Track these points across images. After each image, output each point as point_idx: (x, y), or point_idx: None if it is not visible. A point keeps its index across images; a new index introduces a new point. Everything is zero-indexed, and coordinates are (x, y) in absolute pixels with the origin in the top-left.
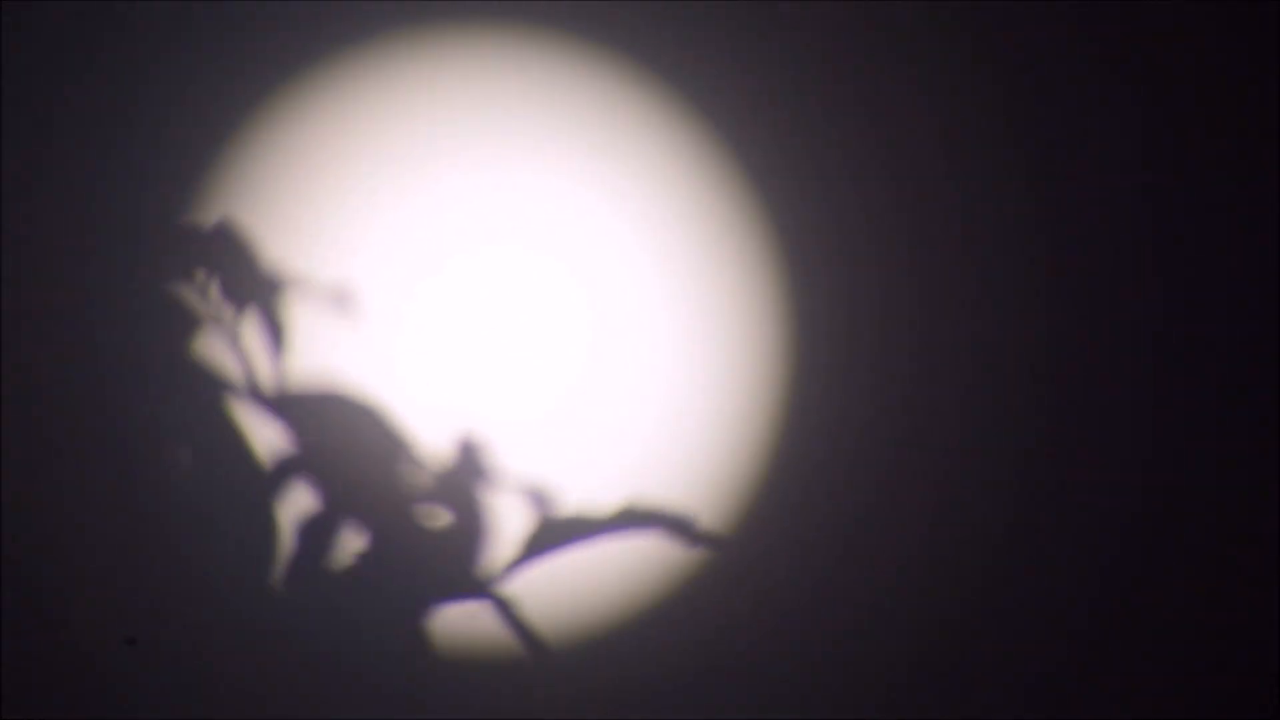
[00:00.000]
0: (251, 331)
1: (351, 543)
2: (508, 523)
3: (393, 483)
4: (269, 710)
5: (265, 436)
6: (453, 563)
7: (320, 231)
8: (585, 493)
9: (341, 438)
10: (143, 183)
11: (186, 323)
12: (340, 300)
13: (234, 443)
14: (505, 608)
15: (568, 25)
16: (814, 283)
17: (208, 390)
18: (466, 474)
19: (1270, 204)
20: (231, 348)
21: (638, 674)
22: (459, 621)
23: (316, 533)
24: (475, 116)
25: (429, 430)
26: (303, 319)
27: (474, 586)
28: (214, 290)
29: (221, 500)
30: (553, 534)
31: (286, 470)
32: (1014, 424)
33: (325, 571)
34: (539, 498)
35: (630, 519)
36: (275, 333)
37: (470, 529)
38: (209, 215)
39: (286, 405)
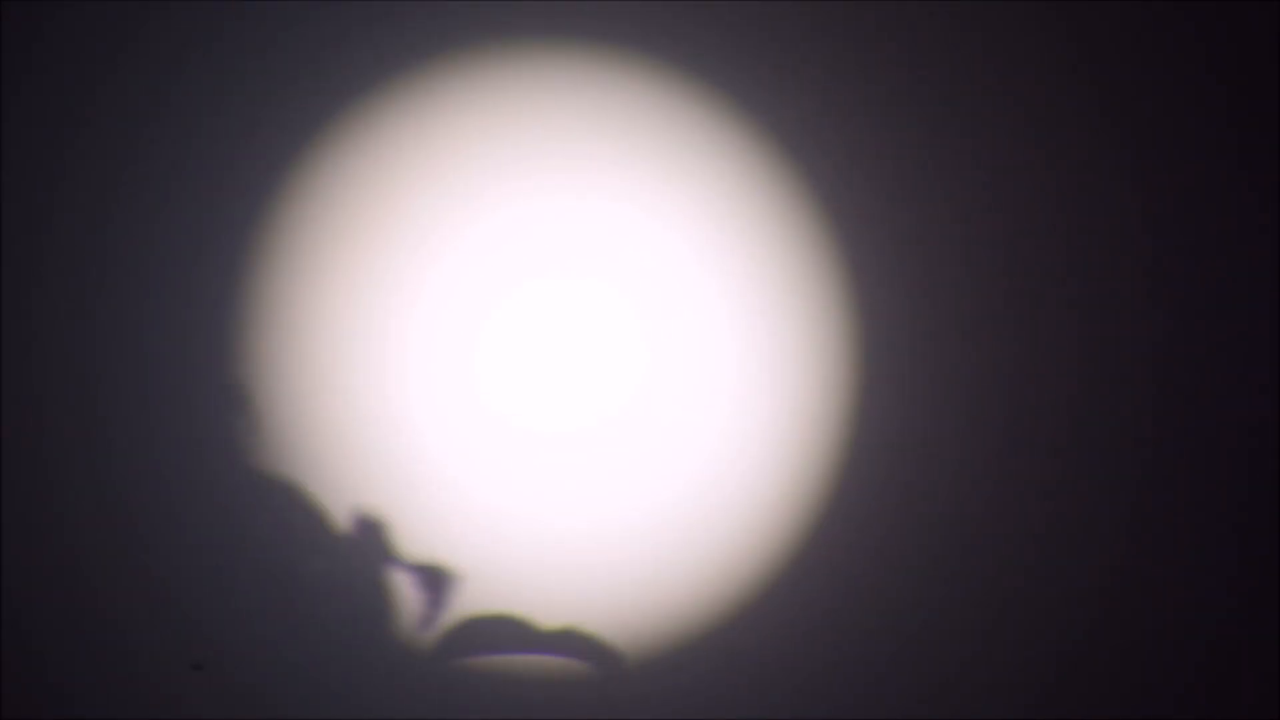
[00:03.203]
0: None
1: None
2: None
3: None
4: (269, 710)
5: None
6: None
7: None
8: (647, 510)
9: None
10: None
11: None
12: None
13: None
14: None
15: (628, 42)
16: (880, 297)
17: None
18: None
19: None
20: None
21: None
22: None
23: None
24: (528, 139)
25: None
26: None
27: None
28: None
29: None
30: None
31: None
32: (1087, 441)
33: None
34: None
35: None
36: None
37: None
38: (276, 241)
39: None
